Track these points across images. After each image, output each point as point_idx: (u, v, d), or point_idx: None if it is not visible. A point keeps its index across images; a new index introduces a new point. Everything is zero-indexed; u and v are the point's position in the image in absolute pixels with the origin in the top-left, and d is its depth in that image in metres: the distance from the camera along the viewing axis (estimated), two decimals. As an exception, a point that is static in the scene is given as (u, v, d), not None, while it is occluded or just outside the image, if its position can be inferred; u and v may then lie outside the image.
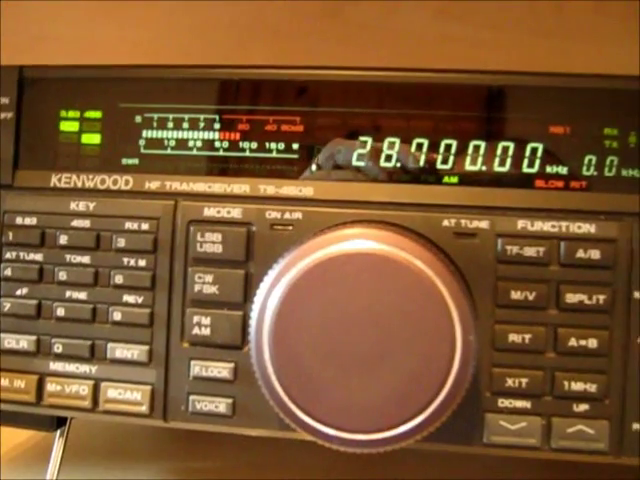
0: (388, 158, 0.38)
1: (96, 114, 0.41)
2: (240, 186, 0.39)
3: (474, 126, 0.38)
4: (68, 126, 0.41)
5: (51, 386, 0.40)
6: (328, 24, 0.62)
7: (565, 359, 0.36)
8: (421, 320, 0.33)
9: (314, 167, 0.39)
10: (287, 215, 0.38)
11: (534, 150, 0.38)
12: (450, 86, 0.39)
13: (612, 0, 0.58)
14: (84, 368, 0.40)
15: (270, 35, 0.62)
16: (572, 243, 0.36)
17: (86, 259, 0.40)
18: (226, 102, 0.40)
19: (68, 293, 0.40)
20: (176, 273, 0.39)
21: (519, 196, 0.37)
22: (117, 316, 0.39)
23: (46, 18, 0.63)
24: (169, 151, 0.40)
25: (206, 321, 0.38)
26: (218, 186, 0.39)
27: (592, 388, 0.36)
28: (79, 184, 0.41)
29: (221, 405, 0.38)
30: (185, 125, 0.40)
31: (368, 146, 0.39)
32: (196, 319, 0.38)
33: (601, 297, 0.36)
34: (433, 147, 0.38)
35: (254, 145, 0.39)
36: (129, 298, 0.39)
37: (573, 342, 0.36)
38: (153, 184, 0.40)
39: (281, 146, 0.39)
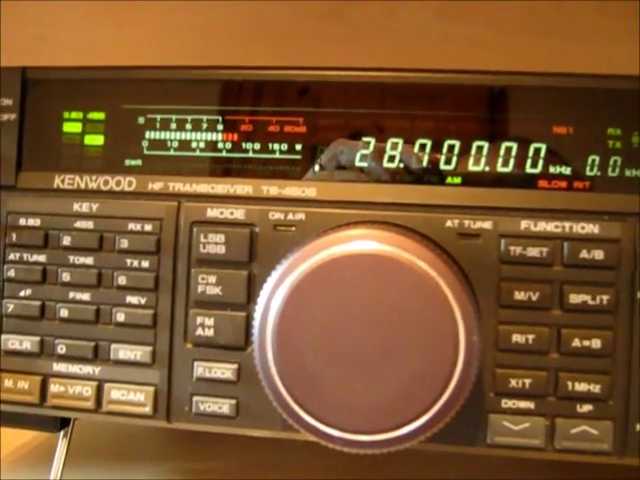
0: (391, 159, 0.38)
1: (99, 115, 0.41)
2: (243, 187, 0.39)
3: (477, 126, 0.38)
4: (71, 127, 0.41)
5: (54, 387, 0.40)
6: (329, 25, 0.62)
7: (569, 360, 0.36)
8: (424, 321, 0.33)
9: (317, 167, 0.39)
10: (290, 216, 0.38)
11: (537, 150, 0.38)
12: (453, 87, 0.39)
13: (613, 0, 0.58)
14: (87, 369, 0.40)
15: (271, 36, 0.62)
16: (575, 243, 0.36)
17: (89, 260, 0.40)
18: (229, 103, 0.40)
19: (71, 294, 0.40)
20: (179, 274, 0.39)
21: (522, 196, 0.37)
22: (120, 317, 0.39)
23: (47, 19, 0.63)
24: (172, 152, 0.40)
25: (209, 322, 0.38)
26: (221, 187, 0.39)
27: (596, 389, 0.36)
28: (82, 185, 0.41)
29: (224, 406, 0.38)
30: (188, 126, 0.40)
31: (371, 147, 0.39)
32: (199, 320, 0.38)
33: (604, 297, 0.36)
34: (436, 148, 0.38)
35: (257, 146, 0.39)
36: (132, 299, 0.39)
37: (577, 342, 0.36)
38: (156, 185, 0.40)
39: (284, 147, 0.39)
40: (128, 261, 0.39)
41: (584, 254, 0.36)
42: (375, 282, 0.34)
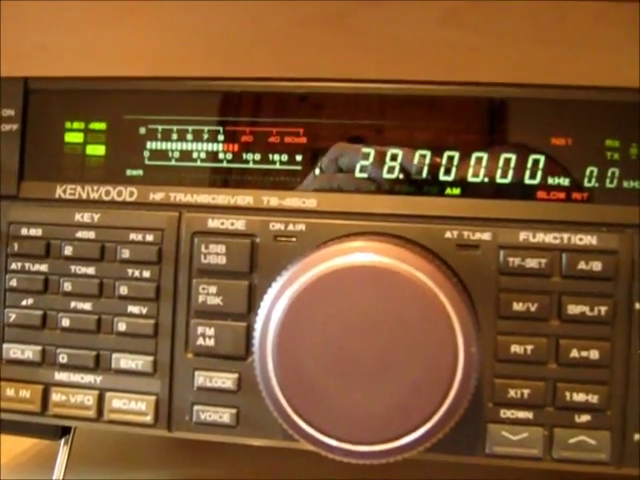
0: (391, 170, 0.39)
1: (101, 125, 0.41)
2: (244, 197, 0.39)
3: (476, 138, 0.39)
4: (73, 137, 0.41)
5: (56, 396, 0.40)
6: (330, 31, 0.62)
7: (567, 370, 0.36)
8: (424, 332, 0.34)
9: (317, 171, 0.39)
10: (291, 227, 0.38)
11: (536, 162, 0.38)
12: (453, 98, 0.39)
13: (612, 8, 0.58)
14: (89, 378, 0.40)
15: (272, 42, 0.62)
16: (574, 255, 0.37)
17: (91, 270, 0.40)
18: (230, 114, 0.40)
19: (73, 304, 0.40)
20: (180, 284, 0.39)
21: (521, 208, 0.38)
22: (122, 327, 0.40)
23: (47, 26, 0.63)
24: (173, 162, 0.40)
25: (210, 332, 0.39)
26: (222, 198, 0.39)
27: (594, 399, 0.36)
28: (84, 195, 0.41)
29: (225, 415, 0.38)
30: (189, 137, 0.40)
31: (371, 158, 0.39)
32: (200, 330, 0.39)
33: (602, 308, 0.36)
34: (436, 158, 0.38)
35: (257, 157, 0.40)
36: (134, 309, 0.39)
37: (575, 353, 0.36)
38: (157, 195, 0.40)
39: (284, 157, 0.39)
40: (129, 271, 0.40)
41: (582, 265, 0.36)
42: (375, 294, 0.34)
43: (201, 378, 0.39)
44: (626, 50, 0.56)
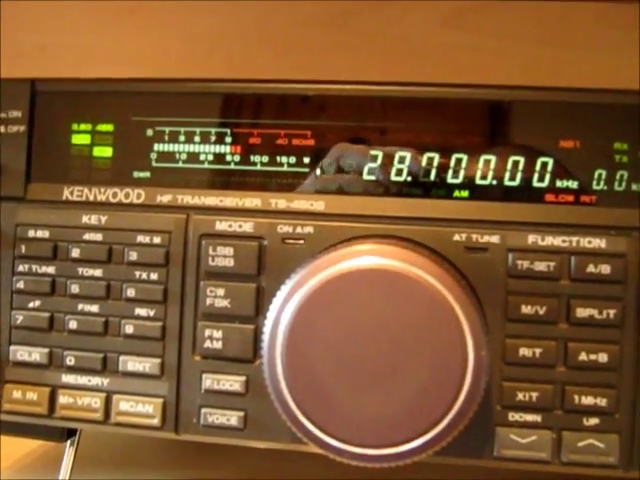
0: (399, 172, 0.39)
1: (108, 127, 0.41)
2: (251, 200, 0.39)
3: (485, 140, 0.39)
4: (80, 139, 0.41)
5: (63, 398, 0.40)
6: (335, 33, 0.62)
7: (575, 373, 0.36)
8: (433, 335, 0.34)
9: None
10: (299, 229, 0.38)
11: (544, 164, 0.38)
12: (461, 101, 0.39)
13: (613, 10, 0.58)
14: (96, 381, 0.40)
15: (277, 43, 0.62)
16: (582, 258, 0.37)
17: (98, 272, 0.40)
18: (237, 116, 0.40)
19: (80, 306, 0.40)
20: (188, 286, 0.39)
21: (530, 210, 0.38)
22: (129, 329, 0.39)
23: (49, 27, 0.63)
24: (180, 164, 0.40)
25: (218, 334, 0.38)
26: (230, 200, 0.39)
27: (602, 402, 0.36)
28: (91, 197, 0.41)
29: (232, 418, 0.38)
30: (196, 139, 0.40)
31: (379, 160, 0.39)
32: (208, 332, 0.39)
33: (611, 312, 0.36)
34: (444, 161, 0.38)
35: (265, 159, 0.40)
36: (141, 311, 0.39)
37: (583, 356, 0.36)
38: (165, 198, 0.40)
39: (292, 160, 0.39)
40: (137, 273, 0.39)
41: (591, 268, 0.36)
42: (384, 297, 0.34)
43: (209, 381, 0.39)
44: (627, 51, 0.56)
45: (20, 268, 0.41)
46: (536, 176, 0.38)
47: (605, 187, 0.37)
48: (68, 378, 0.40)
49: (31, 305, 0.41)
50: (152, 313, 0.39)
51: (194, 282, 0.39)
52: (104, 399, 0.40)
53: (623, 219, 0.37)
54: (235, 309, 0.38)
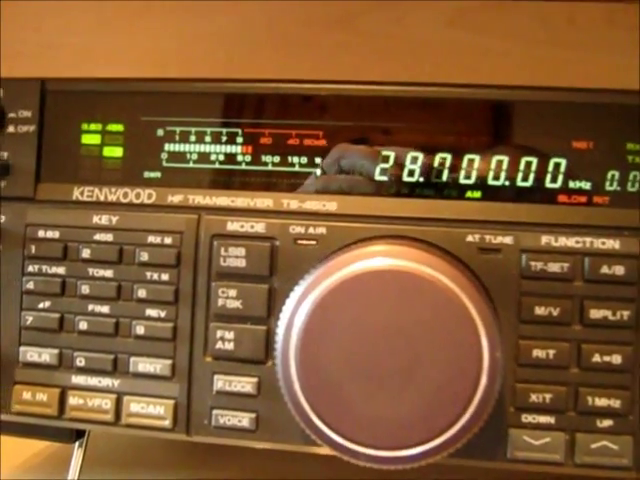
0: (411, 173, 0.39)
1: (118, 127, 0.41)
2: (263, 200, 0.39)
3: (497, 140, 0.38)
4: (90, 139, 0.41)
5: (73, 399, 0.40)
6: (340, 33, 0.62)
7: (589, 375, 0.36)
8: (448, 336, 0.34)
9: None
10: (311, 230, 0.38)
11: (557, 165, 0.38)
12: (474, 101, 0.39)
13: (622, 9, 0.58)
14: (107, 382, 0.40)
15: (282, 44, 0.62)
16: (596, 259, 0.36)
17: (109, 273, 0.40)
18: (248, 116, 0.40)
19: (91, 307, 0.40)
20: (199, 287, 0.39)
21: (543, 211, 0.37)
22: (140, 330, 0.39)
23: (54, 27, 0.63)
24: (191, 164, 0.40)
25: (229, 335, 0.38)
26: (241, 200, 0.39)
27: (616, 404, 0.36)
28: (101, 197, 0.41)
29: (244, 419, 0.38)
30: (207, 139, 0.40)
31: (391, 160, 0.39)
32: (219, 333, 0.38)
33: (625, 313, 0.36)
34: (456, 162, 0.38)
35: (277, 159, 0.39)
36: (152, 312, 0.39)
37: (597, 358, 0.36)
38: (176, 198, 0.40)
39: (304, 160, 0.39)
40: (148, 274, 0.39)
41: (605, 270, 0.36)
42: (398, 298, 0.34)
43: (220, 382, 0.38)
44: (635, 52, 0.56)
45: (30, 268, 0.40)
46: (549, 177, 0.38)
47: (618, 188, 0.37)
48: (78, 379, 0.40)
49: (41, 306, 0.40)
50: (163, 314, 0.39)
51: (205, 283, 0.39)
52: (115, 400, 0.39)
53: (637, 220, 0.37)
54: (247, 310, 0.38)
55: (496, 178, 0.38)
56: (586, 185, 0.38)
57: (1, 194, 0.41)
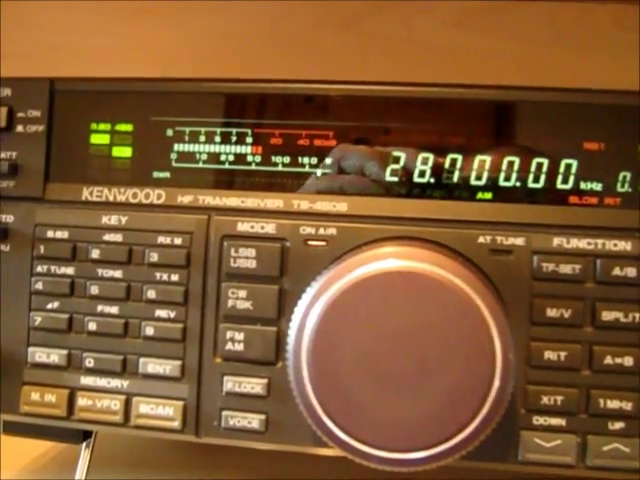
0: (422, 174, 0.38)
1: (127, 127, 0.41)
2: (273, 201, 0.39)
3: (508, 142, 0.38)
4: (99, 139, 0.41)
5: (82, 400, 0.40)
6: (347, 34, 0.62)
7: (601, 377, 0.36)
8: (460, 338, 0.33)
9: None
10: (321, 231, 0.38)
11: (568, 166, 0.38)
12: (485, 102, 0.38)
13: (631, 11, 0.58)
14: (116, 383, 0.40)
15: (289, 45, 0.62)
16: (608, 260, 0.36)
17: (118, 273, 0.40)
18: (258, 116, 0.40)
19: (100, 307, 0.40)
20: (209, 288, 0.39)
21: (554, 213, 0.37)
22: (149, 331, 0.39)
23: (55, 27, 0.63)
24: (201, 165, 0.40)
25: (239, 336, 0.38)
26: (251, 201, 0.39)
27: (627, 406, 0.36)
28: (111, 198, 0.40)
29: (254, 421, 0.38)
30: (217, 139, 0.40)
31: (402, 161, 0.39)
32: (229, 334, 0.38)
33: (637, 315, 0.36)
34: (467, 163, 0.38)
35: (287, 159, 0.39)
36: (161, 313, 0.39)
37: (609, 360, 0.36)
38: (186, 198, 0.40)
39: (314, 160, 0.39)
40: (157, 274, 0.39)
41: (617, 271, 0.36)
42: (410, 300, 0.34)
43: (230, 383, 0.38)
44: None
45: (39, 269, 0.40)
46: (560, 178, 0.38)
47: (630, 189, 0.37)
48: (87, 380, 0.40)
49: (50, 306, 0.40)
50: (173, 315, 0.39)
51: (215, 283, 0.39)
52: (124, 401, 0.39)
53: (648, 221, 0.37)
54: (257, 311, 0.38)
55: (507, 179, 0.38)
56: (597, 186, 0.37)
57: (10, 194, 0.41)
